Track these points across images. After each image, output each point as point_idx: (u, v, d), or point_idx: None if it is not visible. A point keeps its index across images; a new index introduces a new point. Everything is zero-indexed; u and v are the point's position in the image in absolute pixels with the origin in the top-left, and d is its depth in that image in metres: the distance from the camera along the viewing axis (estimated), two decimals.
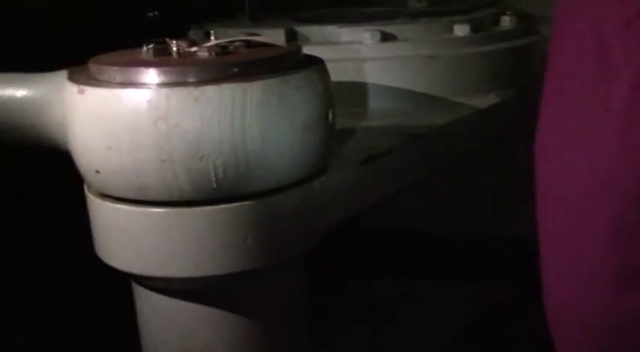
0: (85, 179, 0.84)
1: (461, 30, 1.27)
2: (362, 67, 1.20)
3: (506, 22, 1.39)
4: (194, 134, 0.75)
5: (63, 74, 0.85)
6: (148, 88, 0.75)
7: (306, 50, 0.94)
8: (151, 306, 0.91)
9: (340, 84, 1.19)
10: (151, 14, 1.93)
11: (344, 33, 1.25)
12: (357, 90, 1.20)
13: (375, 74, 1.20)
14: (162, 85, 0.75)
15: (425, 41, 1.23)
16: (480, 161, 1.27)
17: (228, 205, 0.79)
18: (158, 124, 0.74)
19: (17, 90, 0.87)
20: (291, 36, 1.25)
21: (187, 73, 0.76)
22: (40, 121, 0.85)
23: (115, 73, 0.78)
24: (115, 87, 0.76)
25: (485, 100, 1.23)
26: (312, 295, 1.00)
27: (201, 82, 0.75)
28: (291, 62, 0.84)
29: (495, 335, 1.30)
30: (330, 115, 0.88)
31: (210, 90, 0.75)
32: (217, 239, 0.80)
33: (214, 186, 0.77)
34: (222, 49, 0.83)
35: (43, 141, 0.87)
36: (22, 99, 0.87)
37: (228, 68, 0.77)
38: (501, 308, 1.34)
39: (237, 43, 0.87)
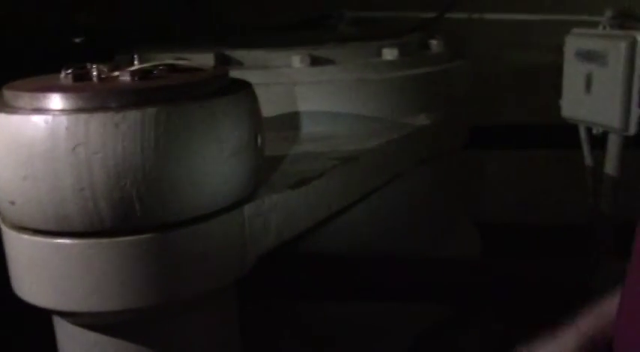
0: None
1: (390, 54, 1.28)
2: (292, 91, 1.20)
3: (435, 46, 1.41)
4: (115, 161, 0.72)
5: None
6: (66, 114, 0.71)
7: (237, 74, 0.93)
8: (75, 344, 0.86)
9: (271, 108, 1.18)
10: (77, 40, 1.88)
11: (274, 57, 1.25)
12: (288, 114, 1.19)
13: (305, 98, 1.20)
14: (81, 110, 0.72)
15: (354, 65, 1.24)
16: (413, 182, 1.28)
17: (154, 234, 0.76)
18: (77, 151, 0.71)
19: None
20: (221, 60, 1.24)
21: (108, 97, 0.73)
22: None
23: (31, 99, 0.74)
24: (31, 113, 0.73)
25: (415, 122, 1.24)
26: (246, 322, 0.98)
27: (122, 107, 0.73)
28: (218, 86, 0.82)
29: None
30: (259, 140, 0.87)
31: (132, 115, 0.72)
32: (143, 270, 0.77)
33: (138, 214, 0.74)
34: (145, 74, 0.81)
35: None
36: None
37: (150, 93, 0.75)
38: (439, 328, 1.34)
39: (161, 67, 0.85)
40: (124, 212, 0.74)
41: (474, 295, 1.34)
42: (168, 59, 0.90)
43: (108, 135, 0.71)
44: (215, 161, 0.78)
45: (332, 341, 1.22)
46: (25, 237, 0.78)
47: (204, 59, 1.16)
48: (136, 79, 0.79)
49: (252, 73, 1.18)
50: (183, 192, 0.76)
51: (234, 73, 0.93)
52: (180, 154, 0.75)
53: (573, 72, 1.28)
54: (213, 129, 0.77)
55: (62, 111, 0.72)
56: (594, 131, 1.31)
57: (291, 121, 1.19)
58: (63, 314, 0.83)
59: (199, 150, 0.76)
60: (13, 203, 0.75)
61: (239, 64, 1.25)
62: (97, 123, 0.71)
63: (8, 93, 0.78)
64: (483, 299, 1.34)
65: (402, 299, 1.27)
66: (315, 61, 1.24)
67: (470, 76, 1.45)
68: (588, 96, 1.24)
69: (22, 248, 0.79)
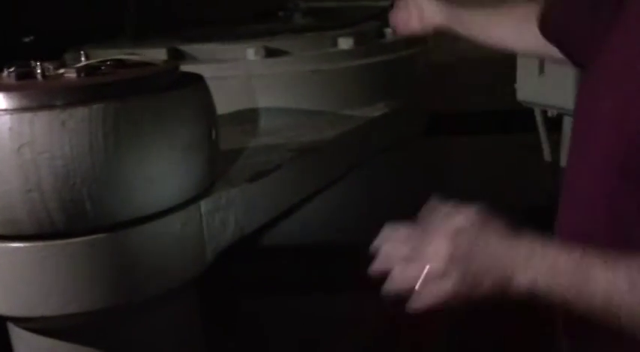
0: None
1: (345, 43, 1.27)
2: (248, 84, 1.18)
3: (390, 34, 1.41)
4: (64, 160, 0.70)
5: None
6: (9, 114, 0.69)
7: (191, 69, 0.91)
8: (30, 350, 0.84)
9: (227, 101, 1.17)
10: (26, 39, 1.83)
11: (228, 50, 1.23)
12: (244, 108, 1.18)
13: (261, 90, 1.19)
14: (24, 109, 0.70)
15: (309, 55, 1.23)
16: (374, 171, 1.28)
17: (108, 234, 0.74)
18: (22, 152, 0.69)
19: None
20: (174, 55, 1.21)
21: (53, 95, 0.71)
22: None
23: None
24: None
25: (372, 111, 1.24)
26: (209, 319, 0.96)
27: (68, 105, 0.71)
28: (167, 81, 0.80)
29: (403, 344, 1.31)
30: (213, 134, 0.85)
31: (79, 112, 0.70)
32: (97, 271, 0.75)
33: (90, 214, 0.72)
34: (92, 70, 0.79)
35: None
36: None
37: (97, 89, 0.73)
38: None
39: (109, 63, 0.83)
40: (76, 212, 0.72)
41: None
42: (117, 56, 0.88)
43: (54, 133, 0.69)
44: (167, 156, 0.76)
45: (294, 335, 1.21)
46: None
47: (157, 54, 1.13)
48: (83, 75, 0.77)
49: (206, 67, 1.17)
50: (135, 190, 0.74)
51: (189, 68, 0.91)
52: (131, 151, 0.73)
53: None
54: (163, 124, 0.75)
55: (5, 110, 0.70)
56: (549, 114, 1.33)
57: (247, 114, 1.18)
58: (16, 320, 0.81)
59: (150, 146, 0.74)
60: None
61: (193, 59, 1.23)
62: (42, 121, 0.69)
63: None
64: None
65: (366, 291, 1.27)
66: (270, 53, 1.22)
67: (425, 63, 1.46)
68: (542, 79, 1.25)
69: None
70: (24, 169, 0.69)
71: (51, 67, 0.79)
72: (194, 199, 0.82)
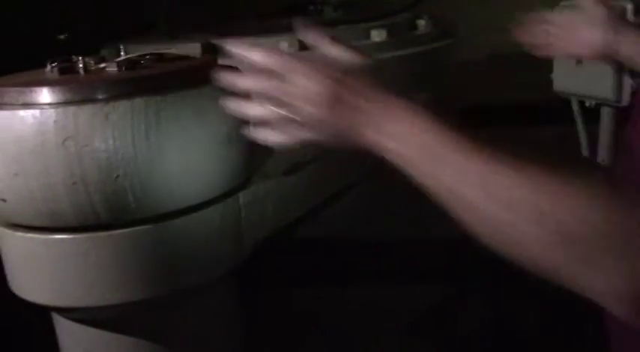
0: None
1: (378, 35, 1.27)
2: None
3: (423, 26, 1.40)
4: (107, 153, 0.71)
5: None
6: (54, 108, 0.70)
7: (226, 63, 0.92)
8: (73, 339, 0.85)
9: None
10: (61, 37, 1.86)
11: (262, 44, 1.22)
12: None
13: None
14: (68, 103, 0.71)
15: None
16: None
17: (150, 226, 0.76)
18: (67, 145, 0.70)
19: None
20: (209, 49, 1.22)
21: (96, 89, 0.72)
22: None
23: (17, 94, 0.73)
24: (18, 108, 0.71)
25: None
26: (251, 309, 0.97)
27: (111, 98, 0.72)
28: (207, 74, 0.81)
29: (434, 335, 1.31)
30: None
31: (122, 105, 0.71)
32: (140, 262, 0.76)
33: (132, 206, 0.73)
34: (132, 64, 0.80)
35: None
36: None
37: (139, 82, 0.74)
38: (438, 307, 1.34)
39: (148, 56, 0.84)
40: (118, 204, 0.73)
41: (472, 273, 1.34)
42: (153, 50, 0.89)
43: (98, 126, 0.70)
44: (207, 149, 0.77)
45: (335, 325, 1.21)
46: (19, 234, 0.77)
47: (192, 49, 1.14)
48: (124, 69, 0.78)
49: (240, 62, 1.17)
50: (177, 182, 0.75)
51: (224, 62, 0.92)
52: (172, 143, 0.74)
53: None
54: (203, 116, 0.76)
55: (50, 104, 0.71)
56: (587, 104, 1.31)
57: None
58: (61, 311, 0.83)
59: (191, 138, 0.75)
60: (4, 201, 0.74)
61: (227, 53, 1.24)
62: (86, 114, 0.70)
63: None
64: (481, 276, 1.34)
65: (402, 281, 1.27)
66: (304, 46, 1.22)
67: (458, 54, 1.45)
68: (580, 69, 1.23)
69: (16, 246, 0.78)
70: (68, 162, 0.71)
71: (92, 61, 0.80)
72: (233, 191, 0.83)
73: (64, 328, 0.86)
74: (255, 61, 0.63)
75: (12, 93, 0.73)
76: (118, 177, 0.72)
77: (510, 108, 1.74)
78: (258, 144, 0.88)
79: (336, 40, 0.64)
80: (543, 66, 1.44)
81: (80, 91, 0.72)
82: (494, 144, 0.55)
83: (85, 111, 0.70)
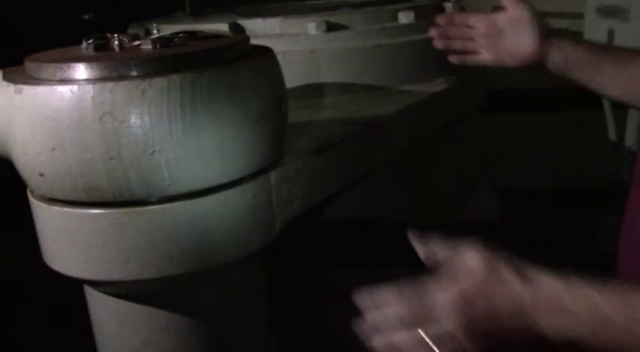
0: (28, 183, 0.80)
1: (405, 17, 1.26)
2: (309, 58, 1.19)
3: (450, 8, 1.39)
4: (143, 129, 0.72)
5: None
6: (92, 84, 0.71)
7: (254, 43, 0.92)
8: (107, 312, 0.87)
9: (288, 76, 1.17)
10: (86, 17, 1.87)
11: (289, 24, 1.23)
12: (305, 82, 1.18)
13: (322, 65, 1.19)
14: (106, 79, 0.72)
15: (370, 30, 1.23)
16: (436, 146, 1.27)
17: (183, 202, 0.76)
18: (104, 121, 0.71)
19: None
20: (236, 30, 1.23)
21: (132, 66, 0.73)
22: None
23: (55, 70, 0.74)
24: (56, 84, 0.72)
25: (433, 86, 1.24)
26: (277, 290, 0.98)
27: (147, 75, 0.72)
28: (240, 52, 0.82)
29: None
30: (283, 105, 0.86)
31: (158, 82, 0.72)
32: (172, 239, 0.77)
33: (167, 182, 0.74)
34: (166, 42, 0.81)
35: None
36: None
37: (175, 59, 0.74)
38: None
39: (182, 35, 0.84)
40: (154, 180, 0.74)
41: None
42: (190, 29, 0.89)
43: (134, 103, 0.71)
44: (240, 126, 0.77)
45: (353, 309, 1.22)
46: (55, 208, 0.78)
47: (219, 29, 1.15)
48: (158, 47, 0.78)
49: (267, 42, 1.17)
50: (210, 158, 0.76)
51: (253, 42, 0.92)
52: (206, 120, 0.74)
53: (594, 29, 1.26)
54: (237, 93, 0.76)
55: (88, 80, 0.72)
56: None
57: (308, 89, 1.18)
58: (94, 284, 0.84)
59: (224, 116, 0.76)
60: (42, 175, 0.75)
61: (254, 33, 1.24)
62: (123, 91, 0.71)
63: (31, 65, 0.77)
64: None
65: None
66: (331, 27, 1.22)
67: None
68: None
69: (52, 219, 0.80)
70: (105, 138, 0.72)
71: (126, 39, 0.81)
72: (264, 170, 0.83)
73: (97, 301, 0.87)
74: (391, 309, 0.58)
75: (50, 69, 0.74)
76: (153, 152, 0.72)
77: (537, 93, 1.73)
78: (287, 124, 0.89)
79: (442, 243, 0.59)
80: None
81: (117, 68, 0.73)
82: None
83: (122, 88, 0.71)
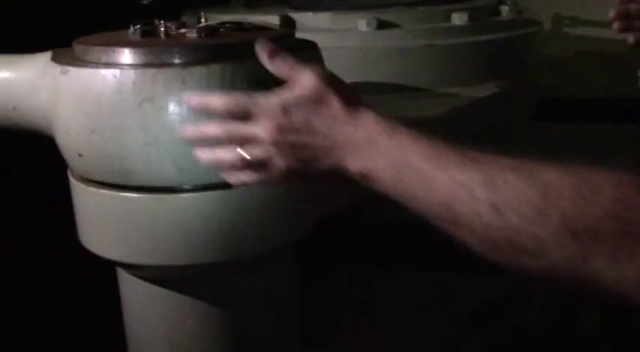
0: (68, 163, 0.82)
1: (459, 19, 1.24)
2: (356, 55, 1.18)
3: (506, 11, 1.36)
4: (181, 116, 0.72)
5: (47, 55, 0.83)
6: (134, 69, 0.72)
7: (301, 37, 0.92)
8: (136, 295, 0.88)
9: (335, 72, 1.17)
10: (145, 1, 1.90)
11: (339, 20, 1.22)
12: (350, 79, 1.17)
13: (369, 62, 1.18)
14: (148, 65, 0.72)
15: (422, 29, 1.21)
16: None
17: (216, 192, 0.77)
18: (144, 106, 0.72)
19: (1, 72, 0.85)
20: (287, 22, 1.22)
21: (174, 53, 0.73)
22: (23, 104, 0.83)
23: (100, 53, 0.75)
24: (100, 67, 0.73)
25: (482, 90, 1.21)
26: (308, 287, 0.98)
27: (188, 63, 0.73)
28: (283, 45, 0.81)
29: (490, 332, 1.28)
30: None
31: (198, 71, 0.72)
32: (204, 227, 0.77)
33: (201, 171, 0.75)
34: (212, 31, 0.81)
35: (25, 124, 0.84)
36: (5, 81, 0.84)
37: (216, 49, 0.75)
38: (496, 304, 1.32)
39: (228, 25, 0.84)
40: (188, 168, 0.74)
41: None
42: (237, 20, 0.89)
43: (174, 90, 0.72)
44: None
45: (388, 308, 1.21)
46: (92, 189, 0.79)
47: (270, 21, 1.15)
48: (203, 36, 0.79)
49: (316, 36, 1.17)
50: None
51: (301, 36, 0.92)
52: None
53: None
54: (275, 86, 0.76)
55: (130, 65, 0.73)
56: None
57: (355, 86, 1.17)
58: (125, 266, 0.85)
59: None
60: (81, 155, 0.77)
61: (304, 27, 1.24)
62: (163, 78, 0.71)
63: (78, 48, 0.79)
64: None
65: (465, 270, 1.25)
66: (382, 25, 1.21)
67: (539, 44, 1.40)
68: None
69: (88, 200, 0.81)
70: (143, 123, 0.72)
71: (173, 26, 0.82)
72: None
73: (127, 283, 0.89)
74: (202, 108, 0.63)
75: (95, 52, 0.75)
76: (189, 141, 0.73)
77: (592, 103, 1.67)
78: None
79: (286, 59, 0.62)
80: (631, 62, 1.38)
81: (160, 55, 0.73)
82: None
83: (163, 75, 0.71)
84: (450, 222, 0.51)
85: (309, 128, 0.58)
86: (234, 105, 0.61)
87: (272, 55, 0.64)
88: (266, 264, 0.86)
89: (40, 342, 1.19)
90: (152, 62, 0.73)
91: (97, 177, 0.78)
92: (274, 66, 0.63)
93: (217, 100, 0.62)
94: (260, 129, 0.59)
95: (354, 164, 0.56)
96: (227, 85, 0.73)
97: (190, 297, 0.84)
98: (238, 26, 0.85)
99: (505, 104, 1.24)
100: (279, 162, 0.59)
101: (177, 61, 0.73)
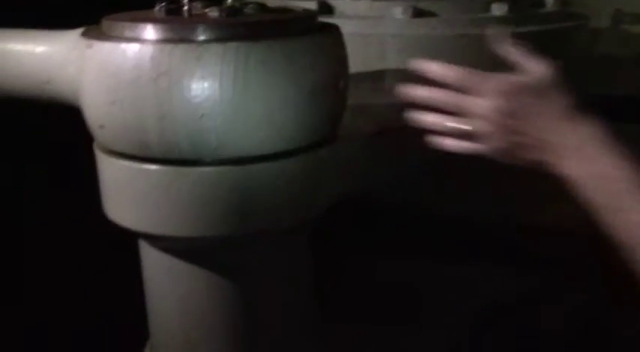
0: (92, 134, 0.85)
1: (498, 9, 1.22)
2: (391, 43, 1.18)
3: (550, 4, 1.33)
4: (195, 92, 0.74)
5: (79, 31, 0.86)
6: (152, 44, 0.75)
7: (338, 23, 0.92)
8: (153, 265, 0.91)
9: (367, 59, 1.17)
10: None
11: (376, 7, 1.23)
12: (384, 67, 1.17)
13: (403, 51, 1.18)
14: (165, 41, 0.75)
15: (458, 19, 1.20)
16: None
17: (228, 167, 0.79)
18: (160, 81, 0.74)
19: (36, 46, 0.89)
20: (324, 8, 1.23)
21: (191, 30, 0.75)
22: (55, 77, 0.87)
23: (123, 29, 0.78)
24: (121, 41, 0.76)
25: None
26: (329, 274, 0.99)
27: (205, 41, 0.75)
28: (302, 27, 0.82)
29: (508, 330, 1.27)
30: (341, 83, 0.86)
31: (213, 48, 0.74)
32: (216, 201, 0.80)
33: (214, 146, 0.77)
34: (235, 11, 0.83)
35: (57, 97, 0.88)
36: (40, 55, 0.88)
37: (233, 28, 0.76)
38: (519, 301, 1.30)
39: (252, 6, 0.86)
40: (201, 143, 0.77)
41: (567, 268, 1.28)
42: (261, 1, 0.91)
43: (189, 66, 0.74)
44: (294, 98, 0.78)
45: (403, 299, 1.21)
46: (113, 160, 0.83)
47: (308, 7, 1.16)
48: (224, 15, 0.81)
49: (352, 23, 1.18)
50: (258, 128, 0.77)
51: (336, 22, 0.92)
52: (259, 89, 0.76)
53: None
54: (290, 67, 0.77)
55: (149, 41, 0.75)
56: None
57: (387, 73, 1.17)
58: (144, 236, 0.88)
59: (278, 87, 0.77)
60: (102, 127, 0.80)
61: (340, 13, 1.25)
62: (179, 53, 0.74)
63: (105, 23, 0.82)
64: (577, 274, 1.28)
65: (496, 264, 1.24)
66: (419, 14, 1.20)
67: (586, 39, 1.36)
68: None
69: (110, 171, 0.84)
70: (159, 97, 0.75)
71: (199, 5, 0.84)
72: (314, 145, 0.84)
73: (147, 253, 0.92)
74: (435, 74, 0.66)
75: (119, 28, 0.79)
76: (202, 116, 0.75)
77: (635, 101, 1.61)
78: (345, 103, 0.89)
79: (520, 47, 0.63)
80: None
81: (178, 32, 0.76)
82: None
83: (179, 51, 0.74)
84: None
85: (528, 117, 0.61)
86: (466, 77, 0.66)
87: (504, 40, 0.66)
88: (279, 240, 0.88)
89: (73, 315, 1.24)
90: (171, 38, 0.75)
91: (118, 149, 0.81)
92: (506, 50, 0.66)
93: (451, 69, 0.68)
94: (483, 105, 0.62)
95: (560, 165, 0.58)
96: (241, 63, 0.74)
97: (202, 269, 0.87)
98: (261, 7, 0.86)
99: None
100: (491, 140, 0.61)
101: (194, 38, 0.75)
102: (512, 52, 0.63)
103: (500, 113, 0.61)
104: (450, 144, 0.68)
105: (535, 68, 0.60)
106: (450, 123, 0.66)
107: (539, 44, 1.24)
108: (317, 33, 0.82)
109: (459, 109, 0.64)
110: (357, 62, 1.12)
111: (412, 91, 0.67)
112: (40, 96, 0.89)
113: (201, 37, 0.75)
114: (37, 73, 0.88)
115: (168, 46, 0.74)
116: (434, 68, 0.66)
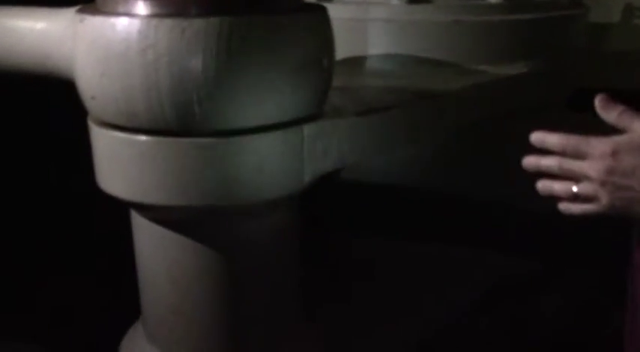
0: (85, 106, 0.89)
1: None
2: (386, 28, 1.20)
3: None
4: (180, 65, 0.78)
5: (76, 8, 0.90)
6: (140, 18, 0.78)
7: (334, 8, 0.94)
8: (143, 234, 0.95)
9: (362, 44, 1.20)
10: None
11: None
12: (378, 51, 1.20)
13: (398, 36, 1.20)
14: (153, 15, 0.78)
15: (453, 5, 1.22)
16: (502, 131, 1.24)
17: (211, 139, 0.82)
18: (147, 53, 0.78)
19: (37, 23, 0.93)
20: None
21: (178, 5, 0.79)
22: (54, 53, 0.91)
23: (114, 4, 0.82)
24: (111, 16, 0.80)
25: (510, 69, 1.21)
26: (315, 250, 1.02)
27: (189, 15, 0.78)
28: (287, 5, 0.85)
29: (506, 313, 1.28)
30: (325, 62, 0.89)
31: (198, 22, 0.77)
32: (200, 171, 0.83)
33: (197, 118, 0.80)
34: None
35: (56, 72, 0.92)
36: (40, 32, 0.92)
37: (217, 4, 0.79)
38: (518, 284, 1.31)
39: None
40: (186, 114, 0.80)
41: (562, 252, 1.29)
42: None
43: (174, 40, 0.77)
44: (276, 75, 0.81)
45: (402, 280, 1.23)
46: (104, 131, 0.86)
47: None
48: None
49: (348, 8, 1.20)
50: (241, 101, 0.80)
51: (333, 7, 0.95)
52: (241, 64, 0.79)
53: None
54: (275, 43, 0.80)
55: (137, 15, 0.79)
56: None
57: (378, 58, 1.20)
58: (134, 206, 0.92)
59: (260, 62, 0.80)
60: (93, 98, 0.84)
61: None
62: (165, 27, 0.77)
63: (99, 0, 0.86)
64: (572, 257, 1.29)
65: (481, 246, 1.25)
66: None
67: (585, 29, 1.37)
68: None
69: (101, 141, 0.88)
70: (146, 69, 0.78)
71: None
72: (297, 121, 0.87)
73: (138, 224, 0.95)
74: (551, 145, 0.70)
75: (110, 3, 0.82)
76: (186, 89, 0.78)
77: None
78: (330, 81, 0.92)
79: (620, 108, 0.67)
80: None
81: (165, 7, 0.79)
82: None
83: (165, 25, 0.77)
84: None
85: (636, 173, 0.63)
86: (570, 143, 0.68)
87: (606, 105, 0.69)
88: (265, 212, 0.91)
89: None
90: (158, 13, 0.79)
91: (108, 120, 0.85)
92: (608, 115, 0.69)
93: (555, 137, 0.70)
94: (591, 168, 0.66)
95: None
96: (224, 38, 0.77)
97: (190, 239, 0.90)
98: None
99: (535, 85, 1.24)
100: (604, 199, 0.66)
101: (180, 12, 0.78)
102: (612, 114, 0.66)
103: (609, 173, 0.64)
104: (570, 208, 0.70)
105: (637, 127, 0.64)
106: (562, 187, 0.68)
107: (534, 32, 1.27)
108: (300, 12, 0.84)
109: (570, 173, 0.68)
110: (353, 46, 1.15)
111: (528, 161, 0.72)
112: (41, 71, 0.93)
113: (187, 12, 0.78)
114: (38, 49, 0.92)
115: (155, 20, 0.77)
116: (537, 137, 0.70)
